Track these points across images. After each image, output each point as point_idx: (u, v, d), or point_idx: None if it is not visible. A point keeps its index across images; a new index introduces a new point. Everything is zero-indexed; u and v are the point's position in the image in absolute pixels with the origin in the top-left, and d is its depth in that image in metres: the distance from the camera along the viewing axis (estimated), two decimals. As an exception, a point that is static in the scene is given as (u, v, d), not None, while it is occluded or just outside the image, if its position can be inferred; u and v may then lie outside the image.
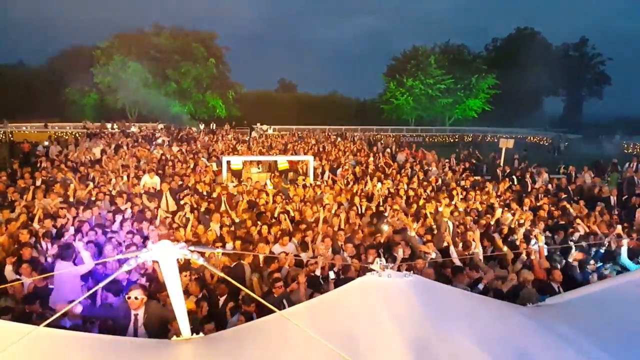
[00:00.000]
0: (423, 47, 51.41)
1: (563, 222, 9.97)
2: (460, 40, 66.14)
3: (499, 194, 12.76)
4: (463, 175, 15.65)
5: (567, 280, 6.79)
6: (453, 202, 11.20)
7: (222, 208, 10.74)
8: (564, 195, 12.60)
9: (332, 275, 6.54)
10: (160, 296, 5.51)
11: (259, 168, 16.35)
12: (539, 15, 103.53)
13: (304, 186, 12.97)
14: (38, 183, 11.85)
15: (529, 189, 13.75)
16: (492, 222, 9.71)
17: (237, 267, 7.03)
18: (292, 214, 10.10)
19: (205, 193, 11.88)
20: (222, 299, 6.01)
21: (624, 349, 2.58)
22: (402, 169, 16.43)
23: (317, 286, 6.31)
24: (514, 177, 15.39)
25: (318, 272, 6.66)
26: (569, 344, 2.64)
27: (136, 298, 4.95)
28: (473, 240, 8.20)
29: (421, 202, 11.22)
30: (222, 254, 7.08)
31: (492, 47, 61.58)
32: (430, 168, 16.76)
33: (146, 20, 67.19)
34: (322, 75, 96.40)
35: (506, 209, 10.92)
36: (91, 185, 11.58)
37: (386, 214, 10.13)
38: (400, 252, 7.48)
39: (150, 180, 12.53)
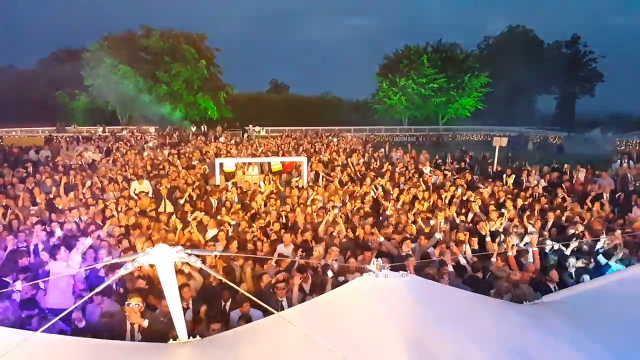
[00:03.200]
0: (415, 46, 51.29)
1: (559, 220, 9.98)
2: (452, 38, 66.14)
3: (493, 193, 12.75)
4: (457, 175, 15.65)
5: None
6: (447, 202, 11.21)
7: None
8: (561, 193, 12.63)
9: (330, 274, 6.49)
10: (156, 302, 5.47)
11: (253, 170, 16.25)
12: (531, 13, 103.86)
13: (298, 188, 12.91)
14: (30, 187, 11.74)
15: (524, 187, 13.75)
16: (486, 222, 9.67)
17: (227, 268, 7.03)
18: (283, 218, 10.05)
19: (195, 197, 11.76)
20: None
21: (624, 346, 2.58)
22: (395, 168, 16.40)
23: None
24: (506, 175, 15.32)
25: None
26: (567, 341, 2.65)
27: (136, 305, 4.88)
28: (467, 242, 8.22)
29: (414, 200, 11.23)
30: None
31: (485, 45, 61.70)
32: (423, 168, 16.73)
33: (135, 22, 66.74)
34: (314, 76, 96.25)
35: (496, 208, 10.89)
36: (73, 193, 11.35)
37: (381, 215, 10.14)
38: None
39: (140, 186, 12.20)
